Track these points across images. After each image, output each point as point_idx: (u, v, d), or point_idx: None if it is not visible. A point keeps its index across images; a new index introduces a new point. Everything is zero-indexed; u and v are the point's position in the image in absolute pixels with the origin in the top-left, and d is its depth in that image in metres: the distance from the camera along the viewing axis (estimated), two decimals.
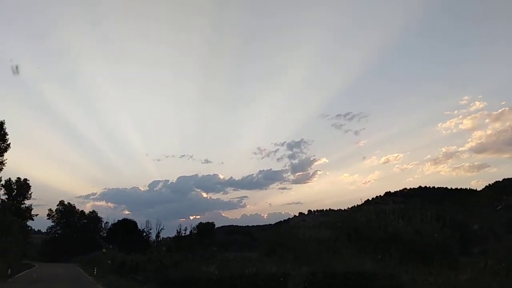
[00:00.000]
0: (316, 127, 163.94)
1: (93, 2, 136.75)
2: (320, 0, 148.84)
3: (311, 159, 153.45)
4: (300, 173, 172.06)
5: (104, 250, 46.71)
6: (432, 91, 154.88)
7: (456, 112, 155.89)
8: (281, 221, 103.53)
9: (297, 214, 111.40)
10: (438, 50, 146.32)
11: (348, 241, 15.42)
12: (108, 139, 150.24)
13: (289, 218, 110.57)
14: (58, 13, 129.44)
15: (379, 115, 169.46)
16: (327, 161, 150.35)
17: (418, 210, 16.38)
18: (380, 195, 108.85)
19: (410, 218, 15.57)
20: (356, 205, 35.46)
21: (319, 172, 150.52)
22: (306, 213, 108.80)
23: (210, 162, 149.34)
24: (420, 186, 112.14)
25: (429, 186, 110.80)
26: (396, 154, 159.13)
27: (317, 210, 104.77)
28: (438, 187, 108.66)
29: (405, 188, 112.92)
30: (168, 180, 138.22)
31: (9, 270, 27.00)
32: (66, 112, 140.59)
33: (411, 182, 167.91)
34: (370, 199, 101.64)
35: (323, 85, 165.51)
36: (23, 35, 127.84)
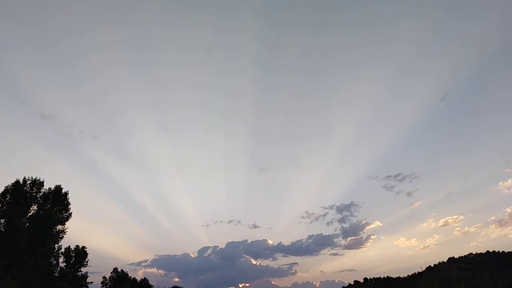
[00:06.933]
0: (366, 189, 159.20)
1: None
2: (369, 57, 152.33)
3: (363, 222, 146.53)
4: (352, 238, 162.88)
5: None
6: (490, 148, 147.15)
7: None
8: None
9: (351, 282, 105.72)
10: (495, 103, 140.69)
11: None
12: (159, 206, 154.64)
13: (343, 287, 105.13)
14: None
15: (432, 175, 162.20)
16: (380, 224, 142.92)
17: (488, 277, 15.03)
18: (443, 261, 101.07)
19: (480, 287, 14.28)
20: (417, 272, 32.95)
21: (372, 237, 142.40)
22: (361, 281, 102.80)
23: (258, 227, 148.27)
24: (487, 251, 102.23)
25: (498, 251, 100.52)
26: (455, 216, 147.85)
27: (373, 277, 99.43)
28: (508, 251, 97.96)
29: (471, 253, 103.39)
30: (217, 246, 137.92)
31: None
32: (121, 182, 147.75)
33: (476, 246, 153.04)
34: (432, 265, 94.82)
35: (370, 146, 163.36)
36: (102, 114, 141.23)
